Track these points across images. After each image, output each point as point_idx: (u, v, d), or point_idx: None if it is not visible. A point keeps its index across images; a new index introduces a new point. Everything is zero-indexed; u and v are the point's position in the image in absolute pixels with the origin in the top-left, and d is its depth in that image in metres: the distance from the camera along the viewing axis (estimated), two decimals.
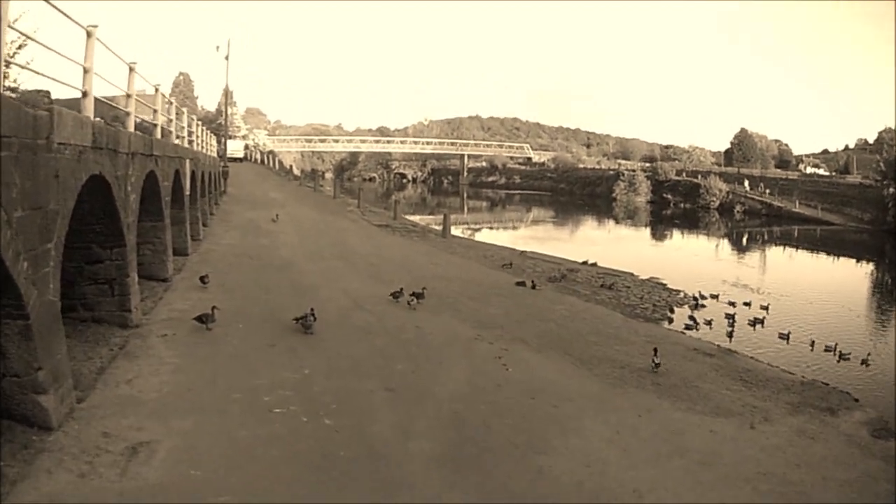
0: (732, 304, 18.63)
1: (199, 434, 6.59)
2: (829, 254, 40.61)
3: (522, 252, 26.71)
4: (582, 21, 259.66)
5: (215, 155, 34.09)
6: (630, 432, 7.96)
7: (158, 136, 13.24)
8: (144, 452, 6.08)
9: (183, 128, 18.63)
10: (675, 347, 12.79)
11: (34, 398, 6.14)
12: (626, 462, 7.10)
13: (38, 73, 8.09)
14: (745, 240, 47.44)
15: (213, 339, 9.78)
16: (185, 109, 20.34)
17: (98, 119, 8.54)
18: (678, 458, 7.35)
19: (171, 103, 16.30)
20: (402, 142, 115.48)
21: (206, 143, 27.96)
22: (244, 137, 77.47)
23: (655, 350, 10.85)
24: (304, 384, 8.35)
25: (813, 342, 15.18)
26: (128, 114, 10.62)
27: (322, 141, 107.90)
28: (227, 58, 40.74)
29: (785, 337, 15.54)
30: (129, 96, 10.67)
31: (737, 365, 12.11)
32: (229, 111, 74.35)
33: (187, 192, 16.79)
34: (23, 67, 8.25)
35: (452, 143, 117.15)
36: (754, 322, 16.87)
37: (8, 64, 8.31)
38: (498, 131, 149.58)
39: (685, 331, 15.58)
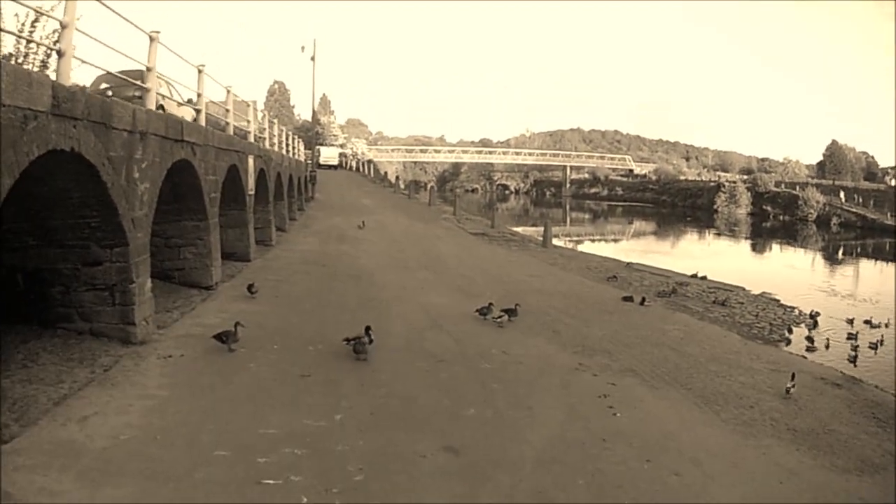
0: (865, 323, 16.67)
1: None
2: None
3: (628, 264, 23.97)
4: (679, 36, 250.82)
5: (301, 159, 32.92)
6: None
7: (202, 122, 11.46)
8: None
9: (249, 122, 17.04)
10: (802, 377, 10.58)
11: None
12: None
13: None
14: (843, 253, 44.26)
15: (229, 365, 7.75)
16: (250, 102, 18.82)
17: (77, 83, 6.65)
18: None
19: (228, 91, 14.61)
20: (504, 153, 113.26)
21: (289, 146, 26.69)
22: (342, 146, 77.34)
23: (793, 375, 9.58)
24: (326, 438, 6.05)
25: None
26: (147, 90, 8.83)
27: (423, 151, 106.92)
28: (312, 58, 39.77)
29: None
30: (149, 70, 8.94)
31: (866, 397, 10.18)
32: (326, 119, 74.85)
33: (250, 192, 15.09)
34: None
35: (555, 155, 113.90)
36: (876, 344, 14.55)
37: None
38: (599, 144, 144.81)
39: (806, 353, 13.70)
